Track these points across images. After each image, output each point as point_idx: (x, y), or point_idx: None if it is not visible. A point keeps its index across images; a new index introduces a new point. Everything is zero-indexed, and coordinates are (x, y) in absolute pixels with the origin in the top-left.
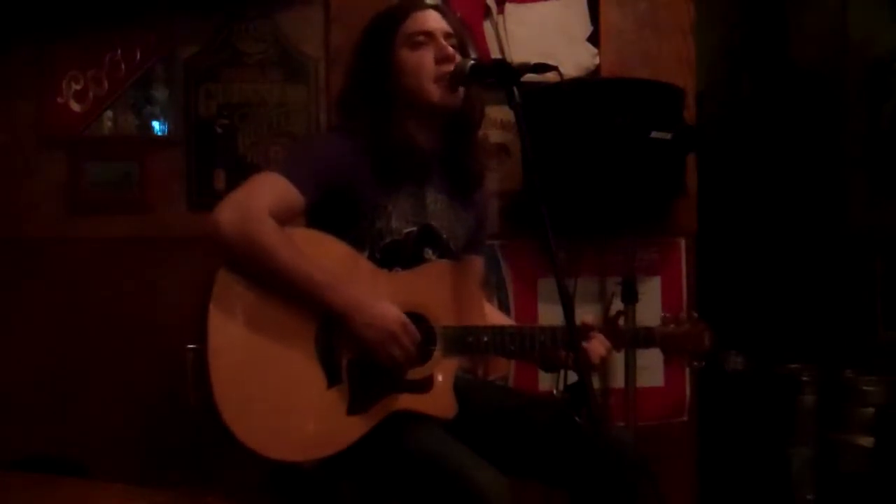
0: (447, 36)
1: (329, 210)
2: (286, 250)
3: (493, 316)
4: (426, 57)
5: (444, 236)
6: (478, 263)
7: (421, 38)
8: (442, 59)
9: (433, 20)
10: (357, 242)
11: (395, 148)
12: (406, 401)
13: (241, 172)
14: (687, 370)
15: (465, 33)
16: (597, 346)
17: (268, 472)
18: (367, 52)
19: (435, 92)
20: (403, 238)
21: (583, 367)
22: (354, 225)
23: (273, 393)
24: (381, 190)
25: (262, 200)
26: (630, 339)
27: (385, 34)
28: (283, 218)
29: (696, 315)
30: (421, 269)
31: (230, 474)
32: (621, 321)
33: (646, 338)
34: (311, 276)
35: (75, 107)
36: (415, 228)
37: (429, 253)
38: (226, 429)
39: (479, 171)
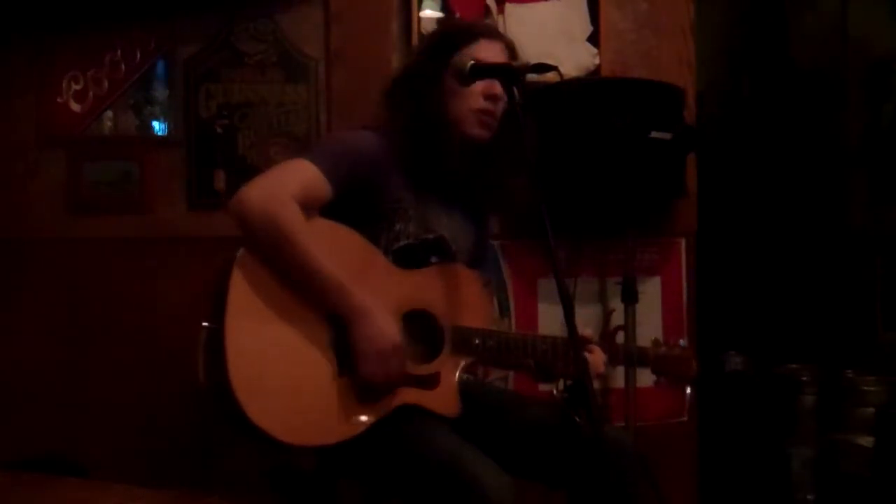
0: None
1: (350, 204)
2: (304, 240)
3: None
4: (476, 87)
5: (453, 249)
6: (482, 277)
7: None
8: (489, 95)
9: (495, 54)
10: (370, 240)
11: (437, 153)
12: (413, 395)
13: (241, 173)
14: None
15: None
16: (595, 360)
17: (267, 472)
18: (425, 61)
19: (471, 124)
20: (419, 244)
21: (583, 374)
22: (372, 223)
23: (286, 375)
24: (409, 193)
25: (289, 186)
26: (625, 355)
27: (445, 50)
28: (309, 206)
29: (685, 343)
30: (433, 269)
31: (230, 475)
32: (619, 336)
33: (640, 357)
34: (323, 272)
35: (75, 107)
36: (431, 236)
37: (435, 261)
38: (236, 408)
39: (503, 202)
